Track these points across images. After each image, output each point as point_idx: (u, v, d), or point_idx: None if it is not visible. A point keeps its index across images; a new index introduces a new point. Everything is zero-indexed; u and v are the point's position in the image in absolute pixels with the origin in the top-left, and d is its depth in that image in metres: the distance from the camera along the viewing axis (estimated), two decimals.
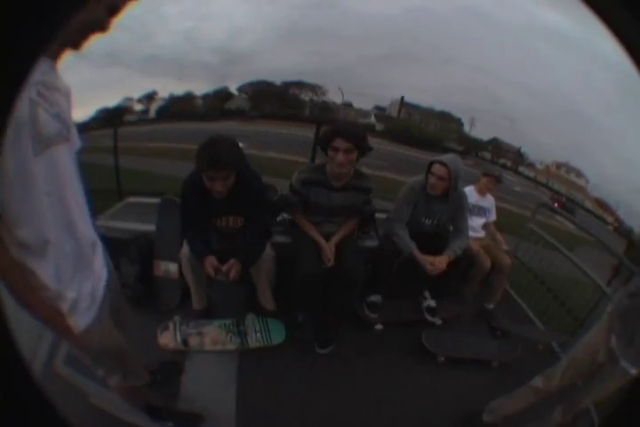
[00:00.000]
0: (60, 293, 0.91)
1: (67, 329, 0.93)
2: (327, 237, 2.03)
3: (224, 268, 1.73)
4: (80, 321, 0.97)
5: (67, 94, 0.90)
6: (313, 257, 1.96)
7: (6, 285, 0.78)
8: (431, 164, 2.08)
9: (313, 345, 1.99)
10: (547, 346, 2.26)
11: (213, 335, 1.87)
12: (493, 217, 2.70)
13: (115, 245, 1.20)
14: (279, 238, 2.18)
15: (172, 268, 2.13)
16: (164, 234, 2.20)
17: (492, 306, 2.56)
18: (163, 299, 2.12)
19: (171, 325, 1.83)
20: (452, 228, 2.24)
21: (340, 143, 1.79)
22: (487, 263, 2.43)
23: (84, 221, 0.98)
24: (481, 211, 2.64)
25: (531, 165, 10.22)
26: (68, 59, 0.82)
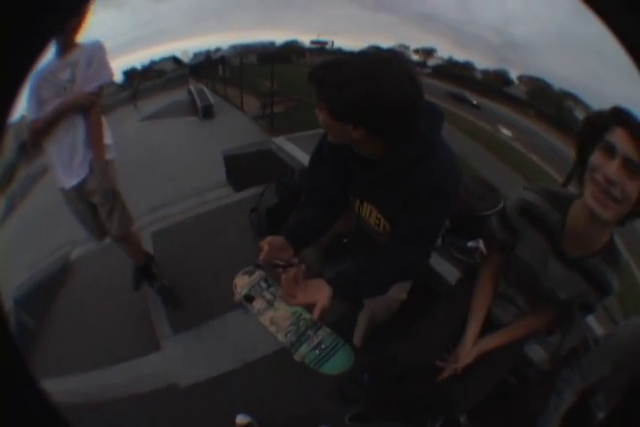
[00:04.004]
0: None
1: None
2: (487, 325, 1.18)
3: (280, 270, 1.15)
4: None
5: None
6: (436, 342, 1.21)
7: None
8: None
9: (347, 410, 1.59)
10: None
11: (280, 315, 1.62)
12: None
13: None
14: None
15: None
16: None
17: None
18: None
19: (256, 275, 1.55)
20: None
21: (623, 141, 0.79)
22: None
23: None
24: None
25: None
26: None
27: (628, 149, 0.78)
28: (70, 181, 1.86)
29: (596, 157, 0.83)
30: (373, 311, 1.42)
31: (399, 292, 1.31)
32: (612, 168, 0.80)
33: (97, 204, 1.91)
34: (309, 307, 1.15)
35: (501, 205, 1.52)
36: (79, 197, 1.91)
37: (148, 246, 2.38)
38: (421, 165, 0.99)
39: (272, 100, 5.26)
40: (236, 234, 2.39)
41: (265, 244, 1.14)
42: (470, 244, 1.64)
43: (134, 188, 3.19)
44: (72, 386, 1.74)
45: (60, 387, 1.57)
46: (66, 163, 1.86)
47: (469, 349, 1.13)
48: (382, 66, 0.90)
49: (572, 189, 1.54)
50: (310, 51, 4.78)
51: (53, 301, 2.36)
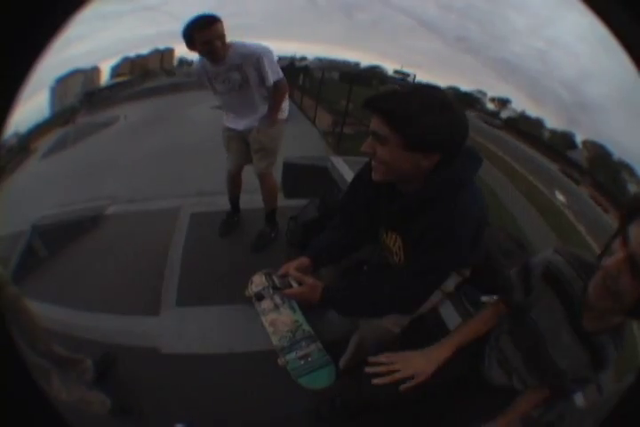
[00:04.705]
0: None
1: None
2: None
3: (281, 282, 1.20)
4: None
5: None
6: None
7: None
8: None
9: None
10: None
11: (281, 320, 1.68)
12: None
13: None
14: None
15: None
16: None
17: None
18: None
19: (273, 277, 1.43)
20: None
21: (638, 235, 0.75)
22: None
23: None
24: None
25: None
26: None
27: (636, 247, 0.73)
28: (240, 126, 2.31)
29: (615, 243, 0.79)
30: (363, 337, 1.43)
31: (392, 324, 1.31)
32: (614, 260, 0.76)
33: (252, 148, 2.31)
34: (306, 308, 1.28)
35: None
36: (239, 137, 2.36)
37: (183, 225, 2.64)
38: (444, 203, 1.02)
39: (344, 119, 5.31)
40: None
41: (292, 264, 1.23)
42: (484, 298, 1.61)
43: (194, 167, 3.40)
44: (59, 316, 1.84)
45: (47, 312, 1.72)
46: (242, 111, 2.29)
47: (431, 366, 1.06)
48: (443, 96, 0.98)
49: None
50: (392, 79, 4.87)
51: (73, 242, 2.57)
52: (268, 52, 2.11)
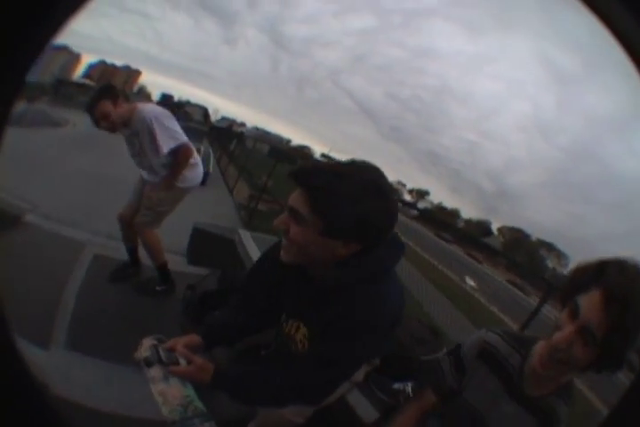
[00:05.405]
0: None
1: None
2: None
3: (167, 357, 1.05)
4: None
5: None
6: None
7: None
8: None
9: None
10: None
11: (171, 392, 1.39)
12: None
13: None
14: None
15: None
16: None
17: None
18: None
19: (159, 350, 1.26)
20: None
21: (590, 306, 0.77)
22: None
23: None
24: None
25: None
26: None
27: (590, 316, 0.76)
28: (145, 175, 2.27)
29: (562, 315, 0.82)
30: (262, 426, 1.25)
31: (295, 414, 1.16)
32: (565, 334, 0.79)
33: (143, 200, 2.26)
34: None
35: (442, 351, 1.44)
36: (142, 185, 2.31)
37: (84, 265, 2.53)
38: (358, 292, 0.90)
39: (260, 196, 5.36)
40: (164, 300, 2.45)
41: (182, 340, 1.07)
42: (396, 385, 1.56)
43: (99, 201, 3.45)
44: None
45: None
46: (146, 171, 2.24)
47: None
48: (380, 179, 0.87)
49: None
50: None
51: None
52: (161, 118, 2.06)
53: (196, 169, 2.29)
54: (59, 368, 1.74)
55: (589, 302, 0.77)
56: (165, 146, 2.05)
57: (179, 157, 2.12)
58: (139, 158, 2.18)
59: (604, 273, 0.78)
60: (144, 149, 2.09)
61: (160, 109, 2.13)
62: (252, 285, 1.22)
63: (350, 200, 0.81)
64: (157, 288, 2.41)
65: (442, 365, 1.07)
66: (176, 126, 2.13)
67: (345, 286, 0.91)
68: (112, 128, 2.04)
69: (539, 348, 0.88)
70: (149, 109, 2.06)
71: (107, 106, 1.97)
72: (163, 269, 2.41)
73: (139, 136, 2.06)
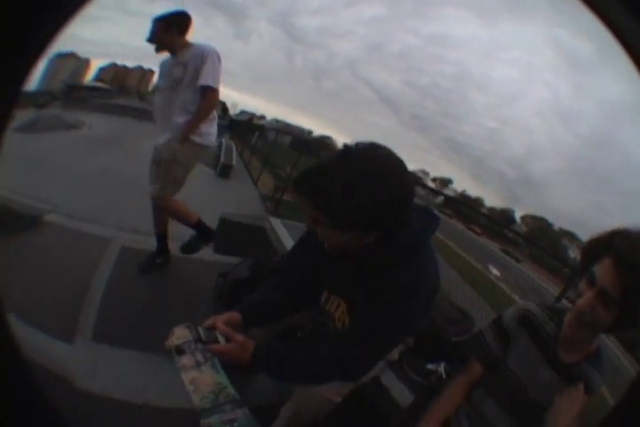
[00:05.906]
0: None
1: None
2: None
3: (207, 335, 1.07)
4: None
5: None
6: None
7: None
8: None
9: None
10: None
11: (203, 379, 1.40)
12: None
13: None
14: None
15: None
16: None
17: None
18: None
19: (199, 329, 1.32)
20: None
21: (604, 273, 0.84)
22: None
23: None
24: None
25: None
26: None
27: (605, 282, 0.84)
28: (159, 141, 2.23)
29: (582, 284, 0.91)
30: (299, 406, 1.21)
31: (334, 393, 1.14)
32: (585, 298, 0.87)
33: (158, 171, 2.23)
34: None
35: (474, 331, 1.50)
36: (154, 164, 2.27)
37: (111, 258, 2.53)
38: (399, 266, 0.94)
39: (285, 187, 5.35)
40: (196, 288, 2.44)
41: (221, 318, 1.08)
42: (430, 366, 1.57)
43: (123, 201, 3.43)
44: None
45: None
46: (162, 120, 2.22)
47: None
48: (383, 160, 0.86)
49: None
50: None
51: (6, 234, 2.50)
52: (217, 60, 2.11)
53: (212, 125, 2.26)
54: (84, 361, 1.77)
55: (603, 270, 0.86)
56: (206, 79, 2.05)
57: (206, 99, 2.10)
58: (167, 93, 2.16)
59: (613, 243, 0.86)
60: (183, 78, 2.09)
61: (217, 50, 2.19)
62: (293, 261, 1.24)
63: (341, 196, 0.82)
64: (158, 260, 2.49)
65: (485, 335, 1.13)
66: (218, 72, 2.14)
67: (386, 261, 0.95)
68: (169, 46, 2.10)
69: (569, 315, 0.95)
70: (211, 47, 2.14)
71: (161, 25, 2.07)
72: (200, 225, 2.41)
73: (184, 66, 2.08)
